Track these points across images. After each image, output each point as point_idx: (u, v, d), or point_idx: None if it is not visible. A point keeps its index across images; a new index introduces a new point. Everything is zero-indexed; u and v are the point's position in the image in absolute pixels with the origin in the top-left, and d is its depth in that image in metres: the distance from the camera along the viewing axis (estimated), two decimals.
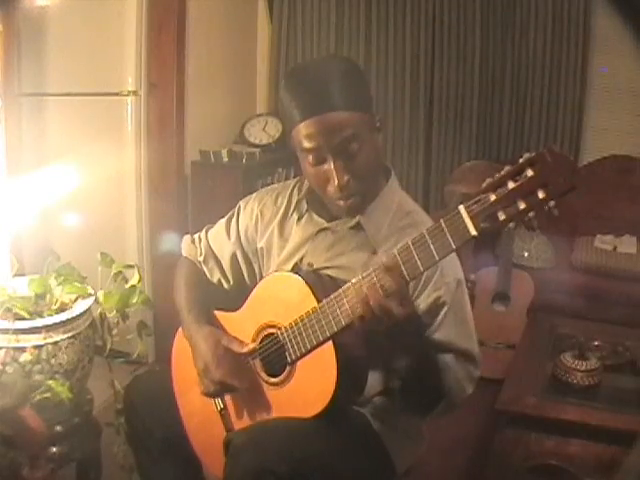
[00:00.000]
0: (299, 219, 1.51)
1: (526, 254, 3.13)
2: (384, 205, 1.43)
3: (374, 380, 1.41)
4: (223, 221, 1.63)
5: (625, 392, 2.09)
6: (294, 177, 1.63)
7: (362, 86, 1.40)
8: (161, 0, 2.89)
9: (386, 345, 1.28)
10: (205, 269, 1.64)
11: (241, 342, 1.44)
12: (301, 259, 1.47)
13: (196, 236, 1.67)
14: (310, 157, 1.36)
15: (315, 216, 1.49)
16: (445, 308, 1.34)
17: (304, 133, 1.34)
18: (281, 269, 1.48)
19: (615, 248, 3.15)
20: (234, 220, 1.61)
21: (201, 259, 1.64)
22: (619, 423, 1.90)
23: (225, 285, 1.63)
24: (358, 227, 1.42)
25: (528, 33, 3.41)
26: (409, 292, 1.26)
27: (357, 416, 1.44)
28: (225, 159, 3.15)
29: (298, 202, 1.52)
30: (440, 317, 1.35)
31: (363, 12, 3.54)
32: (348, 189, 1.35)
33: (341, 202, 1.38)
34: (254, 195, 1.62)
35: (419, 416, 1.46)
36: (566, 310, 2.77)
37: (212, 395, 1.46)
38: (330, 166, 1.34)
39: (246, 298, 1.51)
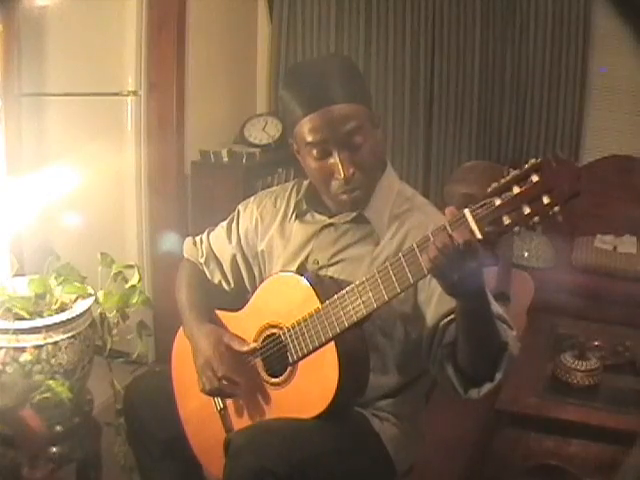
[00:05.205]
0: (300, 219, 1.51)
1: (526, 254, 3.13)
2: (384, 194, 1.44)
3: (376, 383, 1.41)
4: (224, 224, 1.64)
5: (625, 392, 2.08)
6: (294, 177, 1.64)
7: (362, 82, 1.42)
8: (161, 0, 2.89)
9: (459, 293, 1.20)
10: (206, 270, 1.64)
11: (242, 340, 1.44)
12: (306, 258, 1.47)
13: (198, 238, 1.68)
14: (314, 151, 1.36)
15: (316, 214, 1.49)
16: None
17: (309, 127, 1.34)
18: (286, 269, 1.47)
19: (615, 248, 3.15)
20: (234, 223, 1.61)
21: (202, 260, 1.64)
22: (619, 423, 1.90)
23: (226, 287, 1.64)
24: (361, 219, 1.43)
25: (528, 33, 3.41)
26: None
27: (357, 416, 1.44)
28: (225, 159, 3.15)
29: (297, 203, 1.52)
30: None
31: (363, 12, 3.54)
32: (353, 182, 1.36)
33: (345, 196, 1.38)
34: (252, 198, 1.62)
35: (488, 372, 1.30)
36: (566, 310, 2.76)
37: (212, 392, 1.45)
38: (335, 159, 1.34)
39: (247, 300, 1.51)
